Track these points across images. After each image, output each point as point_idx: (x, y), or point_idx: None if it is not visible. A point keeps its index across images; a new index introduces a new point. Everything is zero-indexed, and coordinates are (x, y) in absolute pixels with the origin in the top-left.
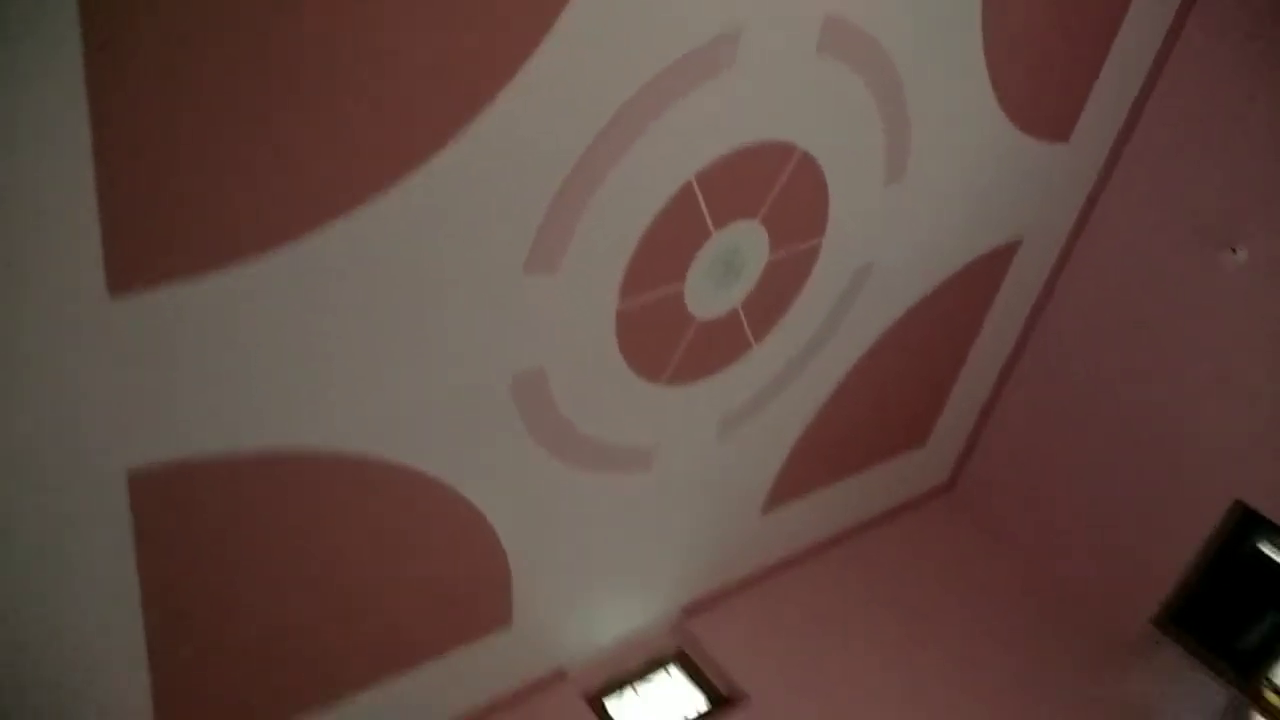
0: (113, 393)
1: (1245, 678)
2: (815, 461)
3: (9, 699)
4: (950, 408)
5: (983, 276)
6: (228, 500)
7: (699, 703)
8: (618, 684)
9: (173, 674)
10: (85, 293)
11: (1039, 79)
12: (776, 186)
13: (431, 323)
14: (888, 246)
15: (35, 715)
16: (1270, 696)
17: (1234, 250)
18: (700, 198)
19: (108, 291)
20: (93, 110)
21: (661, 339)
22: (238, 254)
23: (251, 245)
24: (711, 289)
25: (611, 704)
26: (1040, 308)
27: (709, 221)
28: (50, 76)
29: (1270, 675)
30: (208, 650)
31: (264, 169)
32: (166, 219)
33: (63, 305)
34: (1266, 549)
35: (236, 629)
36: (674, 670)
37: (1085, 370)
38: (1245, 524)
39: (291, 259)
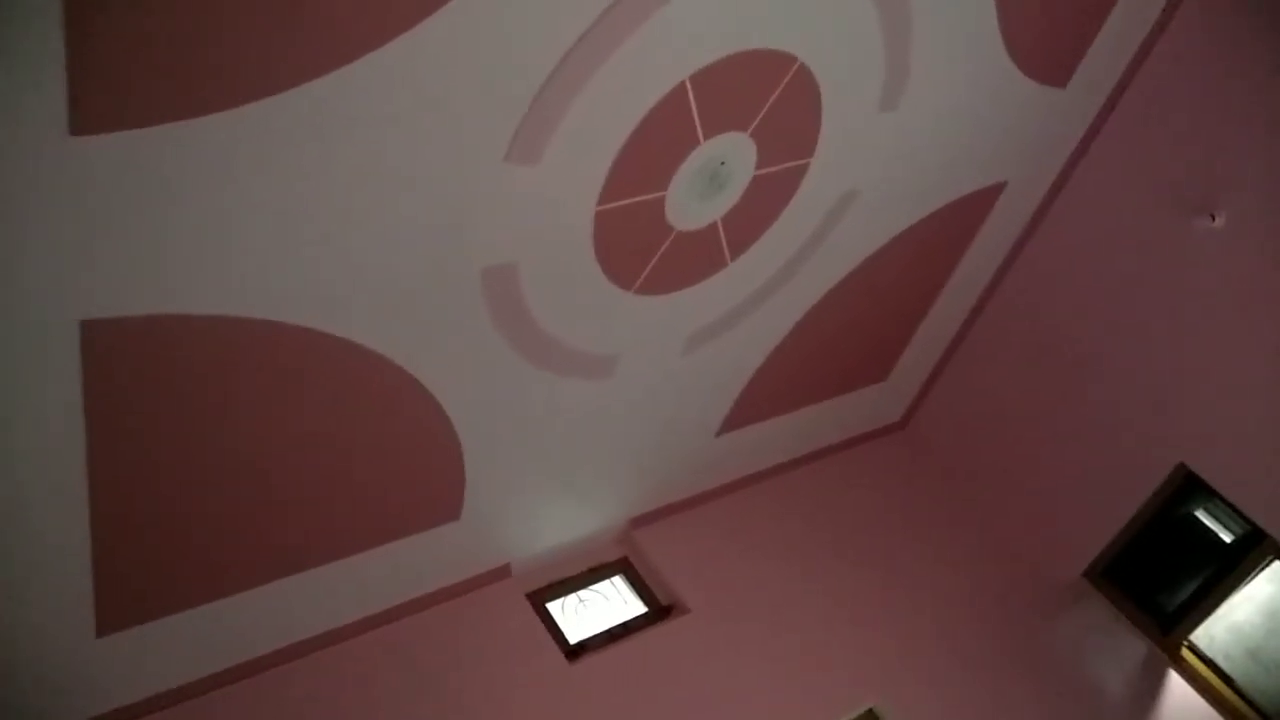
0: (68, 239)
1: (1166, 635)
2: (774, 388)
3: None
4: (913, 347)
5: (964, 216)
6: (181, 362)
7: (638, 610)
8: (561, 587)
9: (115, 544)
10: (48, 129)
11: (1044, 22)
12: (770, 99)
13: (404, 199)
14: (875, 174)
15: None
16: (1187, 655)
17: (1212, 217)
18: (693, 102)
19: (69, 130)
20: None
21: (638, 245)
22: (207, 105)
23: (223, 98)
24: (694, 200)
25: (553, 606)
26: (1015, 254)
27: (699, 129)
28: None
29: (1190, 636)
30: (152, 522)
31: (242, 21)
32: (136, 61)
33: (24, 141)
34: (1203, 515)
35: (183, 499)
36: (617, 580)
37: (1049, 320)
38: (1186, 488)
39: (263, 115)
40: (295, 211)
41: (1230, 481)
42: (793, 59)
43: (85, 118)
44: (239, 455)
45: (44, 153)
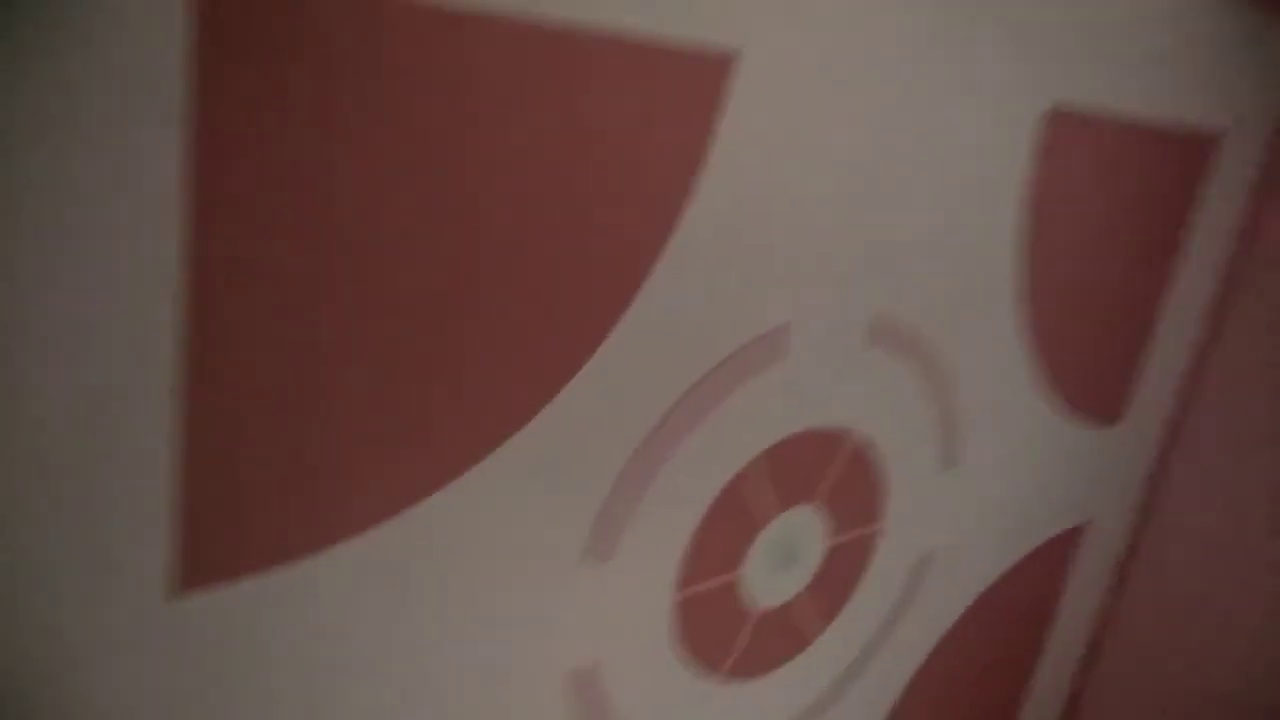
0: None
1: None
2: None
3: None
4: (1028, 711)
5: (1051, 561)
6: None
7: None
8: None
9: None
10: (150, 589)
11: (1083, 364)
12: (832, 472)
13: (484, 617)
14: (948, 533)
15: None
16: None
17: None
18: (756, 484)
19: (174, 588)
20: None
21: (720, 629)
22: (299, 551)
23: (313, 541)
24: (770, 576)
25: None
26: (1114, 600)
27: (765, 510)
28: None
29: None
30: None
31: (336, 463)
32: (239, 514)
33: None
34: None
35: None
36: None
37: (1164, 659)
38: None
39: (351, 555)
40: (379, 646)
41: None
42: (848, 433)
43: (191, 573)
44: None
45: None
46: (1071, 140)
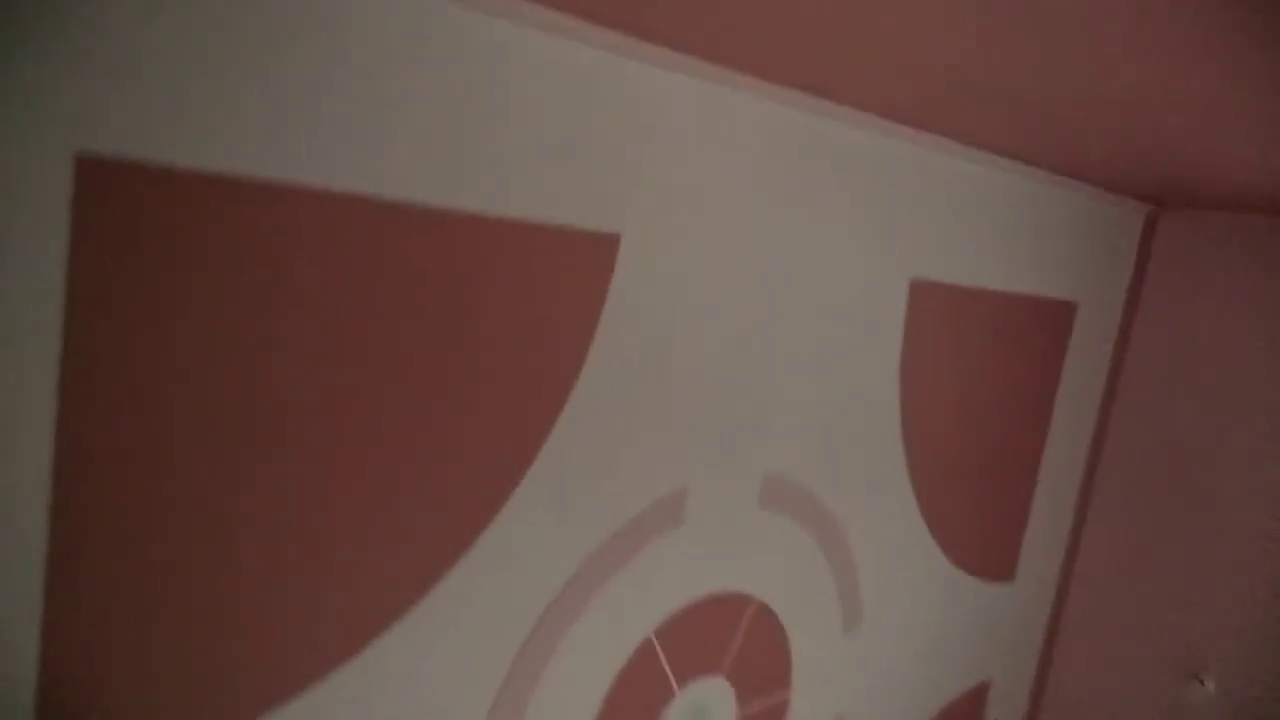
0: None
1: None
2: None
3: None
4: None
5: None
6: None
7: None
8: None
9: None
10: None
11: (973, 523)
12: (737, 639)
13: None
14: (856, 695)
15: None
16: None
17: (1201, 681)
18: (661, 654)
19: None
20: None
21: None
22: None
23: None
24: None
25: None
26: None
27: (672, 679)
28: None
29: None
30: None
31: (221, 659)
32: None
33: None
34: None
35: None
36: None
37: None
38: None
39: None
40: None
41: None
42: (749, 596)
43: None
44: None
45: None
46: (936, 309)
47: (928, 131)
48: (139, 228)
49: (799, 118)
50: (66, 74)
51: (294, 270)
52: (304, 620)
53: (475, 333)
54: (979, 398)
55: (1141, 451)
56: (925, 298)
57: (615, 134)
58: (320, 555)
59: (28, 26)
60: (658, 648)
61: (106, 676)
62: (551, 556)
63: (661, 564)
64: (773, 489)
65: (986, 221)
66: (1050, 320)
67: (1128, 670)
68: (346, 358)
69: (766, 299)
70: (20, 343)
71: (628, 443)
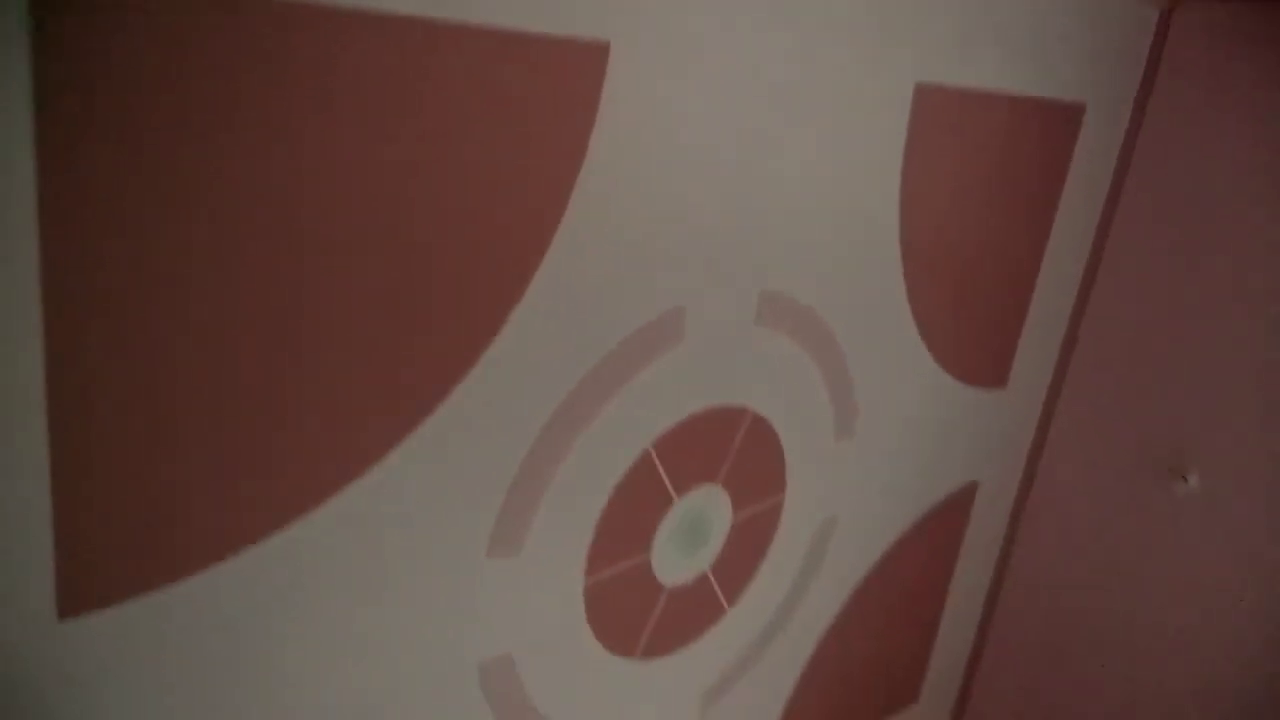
0: None
1: None
2: None
3: None
4: (936, 660)
5: (947, 520)
6: None
7: None
8: None
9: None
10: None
11: (967, 332)
12: (733, 449)
13: (391, 618)
14: (848, 499)
15: None
16: None
17: (1184, 478)
18: (659, 465)
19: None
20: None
21: (632, 611)
22: (199, 563)
23: (211, 553)
24: (679, 555)
25: None
26: (1008, 548)
27: (670, 488)
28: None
29: None
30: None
31: (221, 477)
32: (119, 536)
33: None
34: None
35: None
36: None
37: (1059, 609)
38: None
39: (249, 564)
40: (291, 649)
41: None
42: (745, 410)
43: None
44: None
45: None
46: (940, 115)
47: None
48: (107, 44)
49: None
50: None
51: (273, 83)
52: (315, 433)
53: (460, 153)
54: (981, 206)
55: (1141, 259)
56: (930, 102)
57: None
58: (326, 368)
59: None
60: (655, 459)
61: (114, 497)
62: (551, 376)
63: (662, 380)
64: (769, 304)
65: (995, 19)
66: (1058, 123)
67: (1114, 471)
68: (331, 176)
69: (765, 109)
70: None
71: (625, 263)
